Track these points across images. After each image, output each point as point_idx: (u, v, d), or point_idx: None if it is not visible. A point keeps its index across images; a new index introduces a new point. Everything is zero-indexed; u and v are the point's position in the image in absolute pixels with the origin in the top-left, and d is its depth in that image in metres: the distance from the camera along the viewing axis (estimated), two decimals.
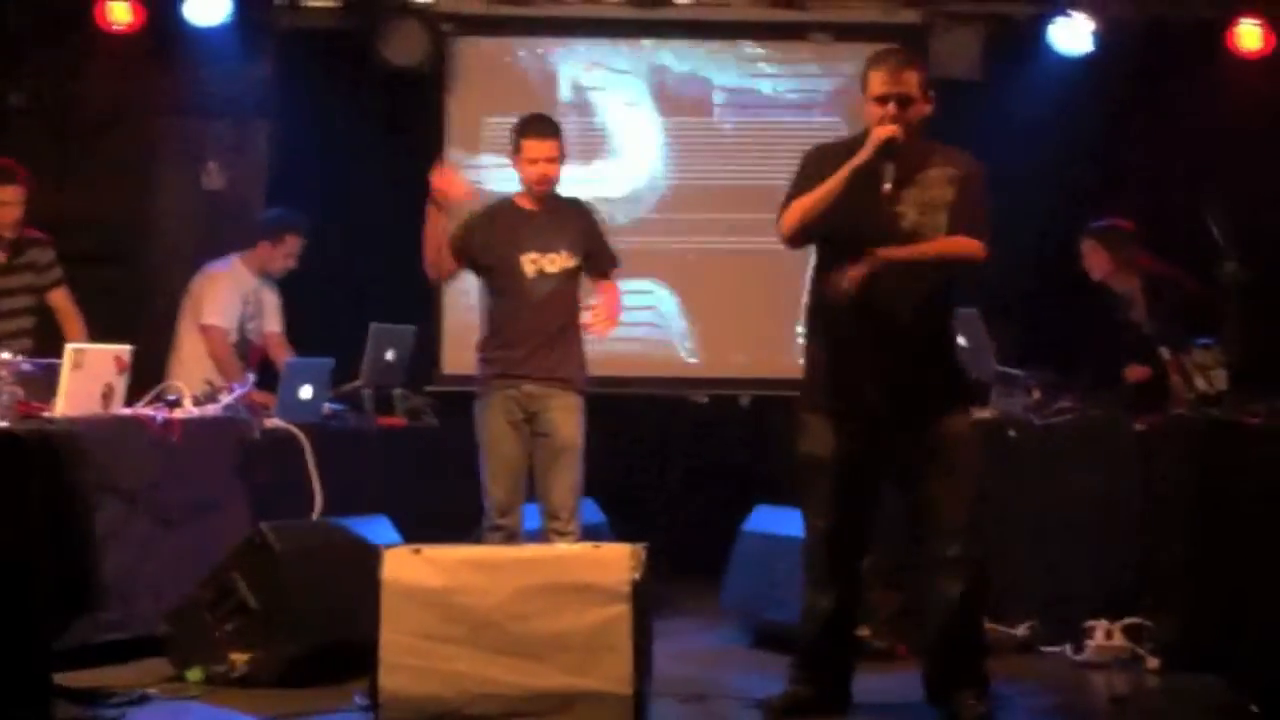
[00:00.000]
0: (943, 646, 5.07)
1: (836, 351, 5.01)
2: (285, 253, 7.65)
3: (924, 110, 4.96)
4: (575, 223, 6.20)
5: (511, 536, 5.91)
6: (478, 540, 5.85)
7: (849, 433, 4.97)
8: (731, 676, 5.69)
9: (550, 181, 6.15)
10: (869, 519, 5.13)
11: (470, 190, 6.22)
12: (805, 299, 5.20)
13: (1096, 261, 7.41)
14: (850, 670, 5.20)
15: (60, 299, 6.96)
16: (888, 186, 4.82)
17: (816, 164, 5.04)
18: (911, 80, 4.91)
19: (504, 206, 6.29)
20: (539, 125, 6.22)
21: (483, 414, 6.06)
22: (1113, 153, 8.51)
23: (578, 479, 6.01)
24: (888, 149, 4.82)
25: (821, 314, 5.07)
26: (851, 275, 4.80)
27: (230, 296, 7.55)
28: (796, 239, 5.00)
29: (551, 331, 6.06)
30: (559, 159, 6.15)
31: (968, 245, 4.94)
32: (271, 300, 7.74)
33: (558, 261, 6.09)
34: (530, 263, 6.09)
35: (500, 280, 6.14)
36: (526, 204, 6.20)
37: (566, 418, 6.00)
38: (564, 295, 6.11)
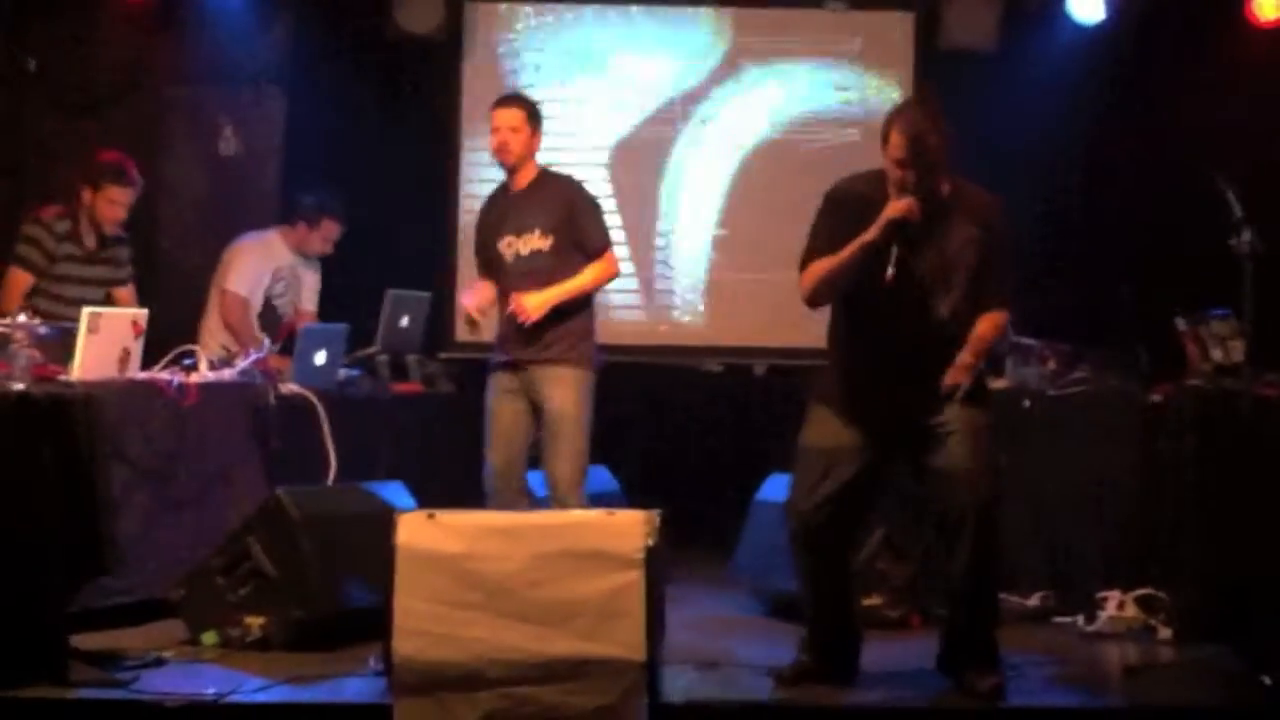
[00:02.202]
0: (955, 619, 5.10)
1: (857, 378, 5.03)
2: (322, 237, 7.70)
3: (942, 158, 4.87)
4: (555, 200, 6.19)
5: (506, 505, 5.95)
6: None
7: (856, 434, 4.99)
8: (744, 644, 5.69)
9: (509, 152, 6.17)
10: (860, 512, 5.17)
11: (492, 296, 6.29)
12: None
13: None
14: (858, 640, 5.22)
15: (125, 297, 6.99)
16: (891, 273, 4.79)
17: (832, 213, 5.02)
18: (934, 145, 4.81)
19: (495, 192, 6.38)
20: (503, 97, 6.39)
21: (487, 387, 6.20)
22: (1128, 123, 8.48)
23: (574, 449, 6.03)
24: (900, 229, 4.79)
25: (840, 330, 5.12)
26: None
27: (256, 266, 7.58)
28: (814, 303, 5.04)
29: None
30: (520, 129, 6.16)
31: (996, 325, 4.99)
32: (311, 280, 7.79)
33: (531, 242, 6.13)
34: (507, 246, 6.17)
35: (490, 265, 6.24)
36: (512, 185, 6.25)
37: (557, 391, 6.04)
38: (542, 275, 6.09)
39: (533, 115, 6.23)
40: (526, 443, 6.14)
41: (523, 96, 6.38)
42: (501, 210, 6.25)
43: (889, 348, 4.97)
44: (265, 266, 7.61)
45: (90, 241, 6.89)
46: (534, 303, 5.99)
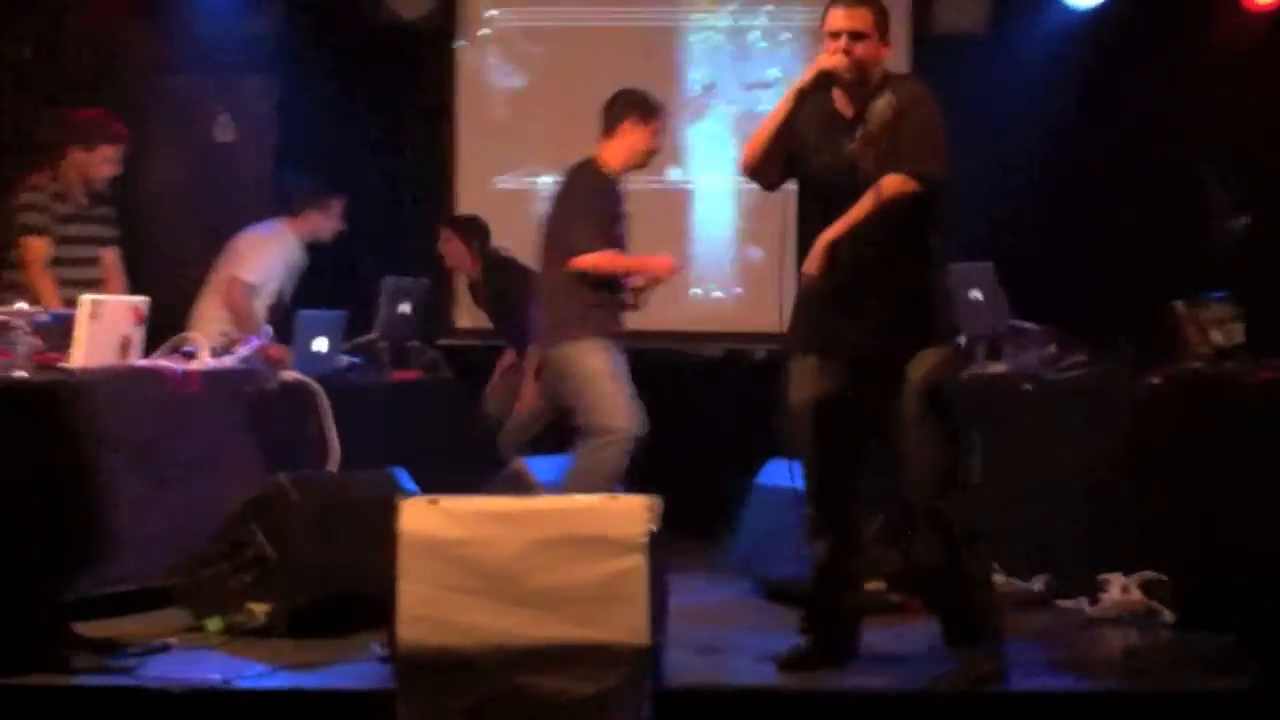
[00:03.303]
0: (940, 600, 5.14)
1: (814, 297, 5.00)
2: (333, 216, 7.70)
3: (880, 52, 5.01)
4: (564, 187, 6.42)
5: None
6: (492, 491, 5.89)
7: (829, 374, 5.02)
8: (745, 629, 5.70)
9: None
10: (855, 464, 5.15)
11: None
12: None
13: (452, 250, 7.95)
14: (857, 622, 5.23)
15: (111, 257, 6.98)
16: (853, 143, 4.94)
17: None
18: (865, 17, 4.97)
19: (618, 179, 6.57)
20: (654, 103, 6.59)
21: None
22: (1121, 106, 8.48)
23: (582, 405, 6.22)
24: (824, 77, 4.93)
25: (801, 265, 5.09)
26: (810, 266, 4.90)
27: (271, 258, 7.59)
28: (754, 171, 5.07)
29: (539, 292, 6.42)
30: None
31: (891, 186, 4.88)
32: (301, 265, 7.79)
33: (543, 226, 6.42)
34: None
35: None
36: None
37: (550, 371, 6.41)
38: (542, 257, 6.43)
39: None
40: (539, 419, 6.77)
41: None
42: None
43: (844, 254, 4.90)
44: (279, 260, 7.62)
45: (82, 198, 6.85)
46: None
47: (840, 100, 5.03)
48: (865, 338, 4.96)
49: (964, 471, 5.27)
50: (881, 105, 4.97)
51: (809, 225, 5.05)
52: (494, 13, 9.01)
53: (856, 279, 4.93)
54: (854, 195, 4.89)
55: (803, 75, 4.97)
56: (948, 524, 4.96)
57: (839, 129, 4.99)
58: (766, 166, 5.05)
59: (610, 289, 6.39)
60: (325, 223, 7.68)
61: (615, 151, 6.45)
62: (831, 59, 4.93)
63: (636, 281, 6.41)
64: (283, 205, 7.88)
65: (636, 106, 6.48)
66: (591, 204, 6.34)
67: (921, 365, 4.95)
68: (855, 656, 5.18)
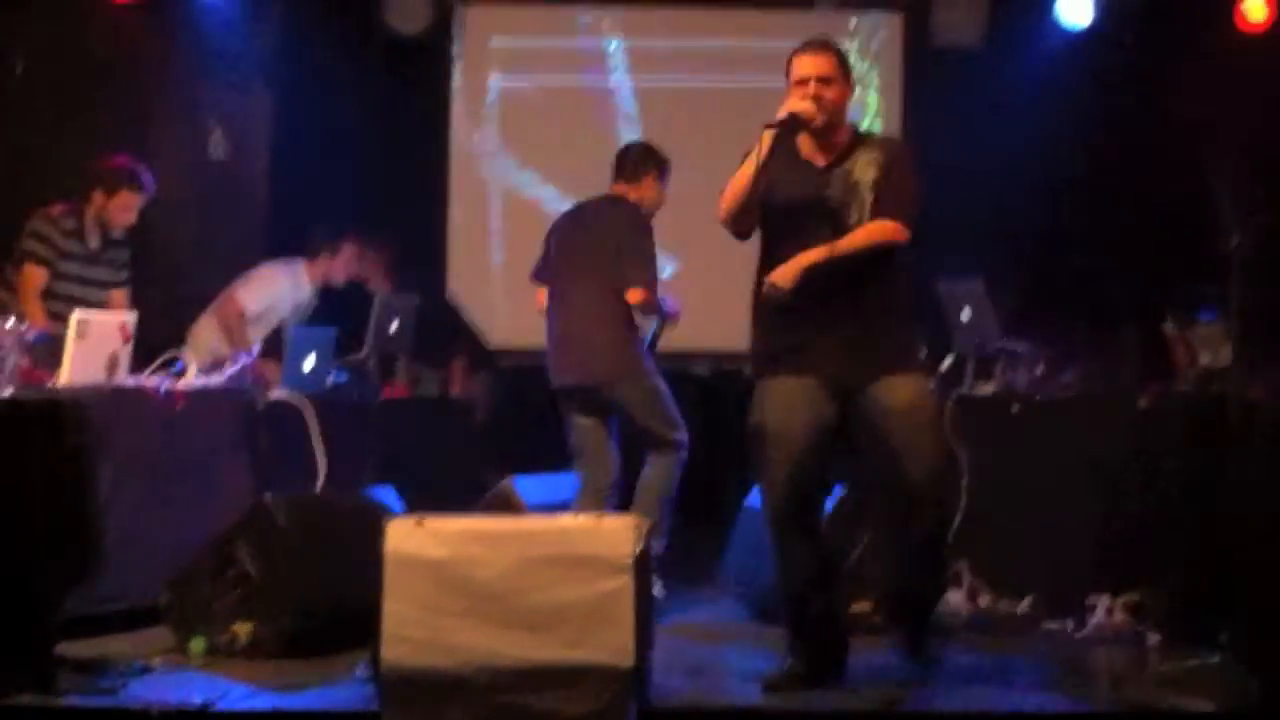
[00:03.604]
0: (902, 590, 5.30)
1: (787, 314, 5.09)
2: (344, 262, 7.74)
3: (845, 94, 5.14)
4: (608, 222, 6.65)
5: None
6: (479, 511, 5.89)
7: (805, 394, 5.06)
8: (732, 650, 5.69)
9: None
10: (824, 484, 5.30)
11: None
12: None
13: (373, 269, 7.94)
14: (844, 641, 5.24)
15: (120, 299, 7.00)
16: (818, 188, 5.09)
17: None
18: (830, 63, 5.11)
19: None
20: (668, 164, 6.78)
21: None
22: (1115, 125, 8.49)
23: (657, 424, 6.56)
24: (794, 122, 5.02)
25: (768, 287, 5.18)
26: (783, 278, 5.00)
27: (278, 294, 7.61)
28: (733, 219, 5.10)
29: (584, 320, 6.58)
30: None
31: (883, 230, 5.04)
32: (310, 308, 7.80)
33: None
34: None
35: None
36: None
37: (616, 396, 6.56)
38: (576, 282, 6.61)
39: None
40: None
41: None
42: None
43: (818, 281, 5.00)
44: (286, 299, 7.63)
45: (94, 242, 6.91)
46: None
47: (807, 145, 5.16)
48: (837, 353, 5.06)
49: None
50: (863, 159, 5.11)
51: (770, 258, 5.13)
52: (491, 29, 9.03)
53: (829, 296, 5.01)
54: (827, 233, 5.02)
55: (773, 123, 5.01)
56: (935, 519, 5.12)
57: (810, 174, 5.12)
58: (744, 217, 5.10)
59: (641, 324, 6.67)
60: (336, 267, 7.71)
61: (636, 197, 6.68)
62: (800, 104, 5.03)
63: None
64: (294, 234, 7.89)
65: (656, 163, 6.74)
66: (645, 244, 6.57)
67: (901, 392, 5.05)
68: (844, 675, 5.18)
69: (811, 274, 4.99)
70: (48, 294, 6.75)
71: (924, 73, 8.81)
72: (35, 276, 6.74)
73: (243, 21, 8.52)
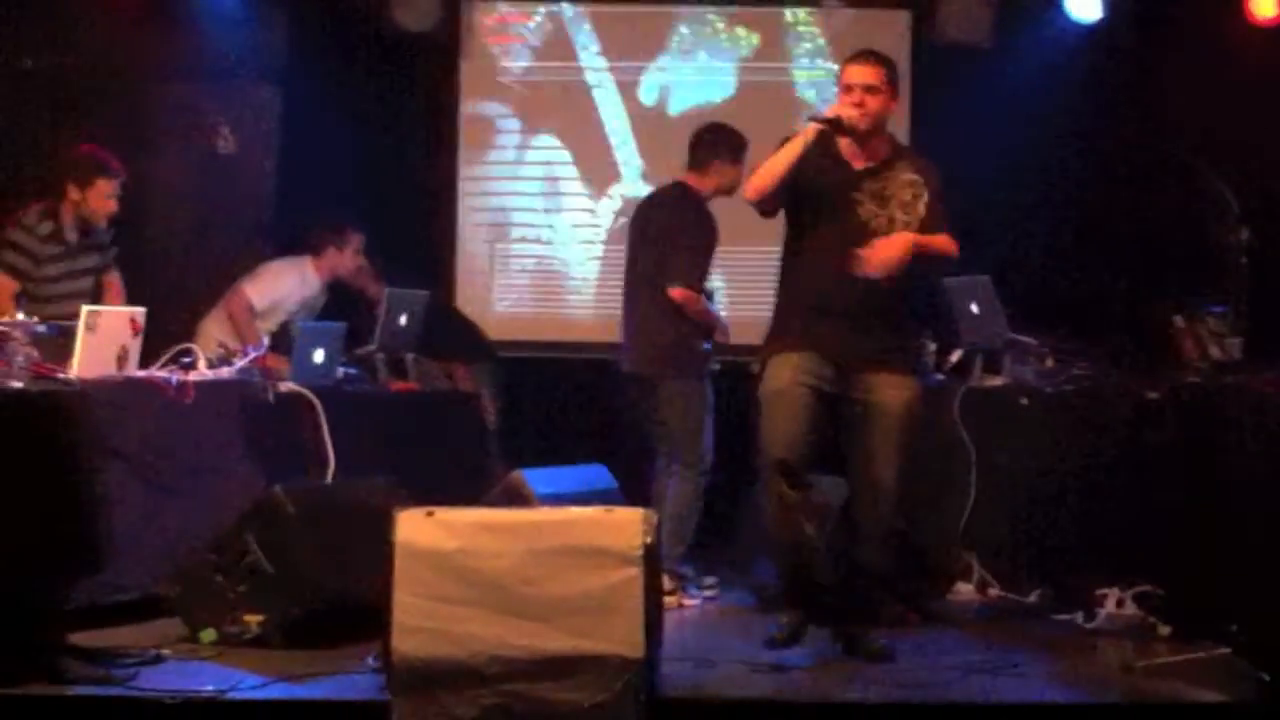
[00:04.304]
0: (849, 590, 5.48)
1: (807, 308, 5.47)
2: (352, 251, 7.72)
3: (889, 106, 5.47)
4: (665, 212, 6.75)
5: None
6: (489, 503, 5.90)
7: (811, 364, 5.39)
8: (741, 640, 5.68)
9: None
10: (817, 454, 5.48)
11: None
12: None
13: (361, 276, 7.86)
14: (842, 595, 5.48)
15: (113, 282, 6.97)
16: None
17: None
18: (880, 74, 5.43)
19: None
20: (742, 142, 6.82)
21: None
22: (1125, 118, 8.48)
23: (682, 437, 6.60)
24: (835, 124, 5.35)
25: (793, 278, 5.58)
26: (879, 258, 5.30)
27: (286, 290, 7.62)
28: (762, 199, 5.43)
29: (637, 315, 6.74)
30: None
31: (950, 245, 5.48)
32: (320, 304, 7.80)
33: None
34: None
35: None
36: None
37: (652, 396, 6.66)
38: (638, 279, 6.73)
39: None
40: None
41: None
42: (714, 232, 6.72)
43: (836, 278, 5.37)
44: (294, 295, 7.64)
45: (73, 236, 6.83)
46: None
47: (846, 146, 5.46)
48: (843, 337, 5.41)
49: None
50: (899, 176, 5.46)
51: (804, 252, 5.49)
52: (499, 27, 9.04)
53: (868, 304, 5.39)
54: (852, 238, 5.36)
55: (819, 115, 5.40)
56: (890, 538, 5.48)
57: (845, 173, 5.45)
58: (772, 198, 5.42)
59: (700, 328, 6.67)
60: (342, 260, 7.72)
61: (704, 185, 6.72)
62: (847, 109, 5.37)
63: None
64: (299, 233, 7.89)
65: (726, 147, 6.76)
66: (694, 240, 6.63)
67: (901, 392, 5.41)
68: (846, 618, 5.45)
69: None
70: (39, 299, 6.65)
71: (930, 70, 8.80)
72: (5, 287, 6.66)
73: (249, 18, 8.52)
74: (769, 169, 5.38)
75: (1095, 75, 8.51)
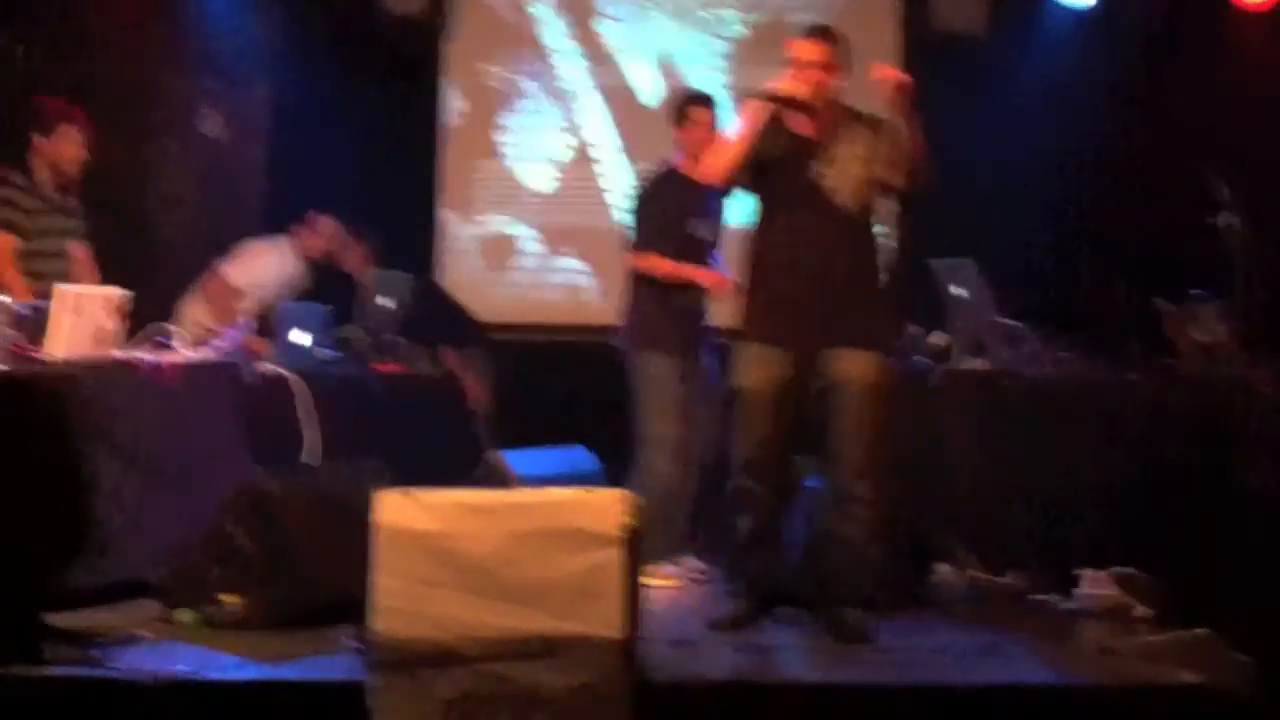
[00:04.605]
0: (832, 570, 5.52)
1: (767, 297, 5.51)
2: (318, 233, 7.71)
3: (839, 79, 5.47)
4: None
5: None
6: (471, 485, 5.89)
7: (780, 360, 5.46)
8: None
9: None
10: (791, 442, 5.60)
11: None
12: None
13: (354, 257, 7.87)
14: (780, 582, 5.63)
15: (81, 251, 6.91)
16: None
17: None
18: (829, 50, 5.44)
19: (668, 173, 6.63)
20: (699, 95, 6.68)
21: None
22: (1117, 106, 8.48)
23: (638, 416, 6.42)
24: (783, 100, 5.37)
25: (758, 259, 5.58)
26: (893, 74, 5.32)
27: (265, 270, 7.63)
28: (720, 178, 5.50)
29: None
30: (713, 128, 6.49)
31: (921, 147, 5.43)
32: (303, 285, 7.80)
33: (709, 226, 6.55)
34: (693, 226, 6.49)
35: (665, 241, 6.51)
36: (688, 169, 6.47)
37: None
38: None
39: (717, 112, 6.56)
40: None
41: (712, 97, 6.65)
42: (687, 193, 6.42)
43: (801, 245, 5.43)
44: (274, 275, 7.64)
45: (49, 190, 6.75)
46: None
47: (798, 122, 5.48)
48: (808, 324, 5.45)
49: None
50: (854, 137, 5.46)
51: (766, 232, 5.53)
52: (489, 12, 9.03)
53: (808, 268, 5.41)
54: (815, 210, 5.43)
55: (769, 94, 5.39)
56: (869, 509, 5.44)
57: (801, 149, 5.47)
58: (730, 177, 5.49)
59: (675, 295, 6.48)
60: (312, 240, 7.71)
61: (678, 154, 6.62)
62: (798, 85, 5.39)
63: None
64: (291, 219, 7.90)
65: (670, 111, 6.68)
66: (641, 209, 6.57)
67: (864, 367, 5.40)
68: (784, 609, 5.61)
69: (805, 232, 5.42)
70: (33, 254, 6.63)
71: (923, 59, 8.79)
72: (6, 243, 6.59)
73: (241, 10, 8.51)
74: (722, 148, 5.47)
75: (1088, 63, 8.52)
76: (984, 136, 8.28)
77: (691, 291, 6.44)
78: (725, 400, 5.96)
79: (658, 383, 6.41)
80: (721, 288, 6.36)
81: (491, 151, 9.07)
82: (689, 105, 6.58)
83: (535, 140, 9.06)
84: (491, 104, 9.06)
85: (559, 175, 9.08)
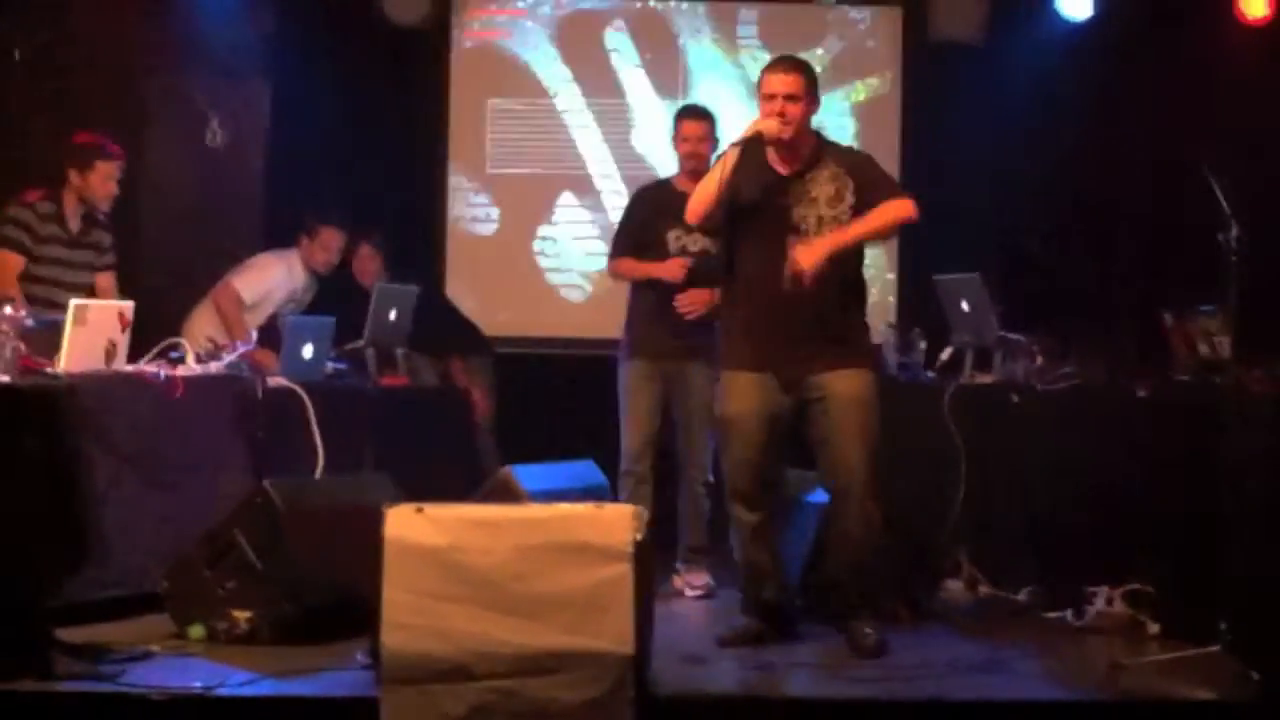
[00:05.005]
0: (840, 579, 5.57)
1: (745, 327, 5.58)
2: (321, 246, 7.72)
3: (810, 109, 5.55)
4: None
5: (640, 482, 6.56)
6: (479, 499, 5.89)
7: (762, 387, 5.52)
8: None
9: (700, 158, 6.52)
10: (780, 464, 5.77)
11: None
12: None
13: (370, 267, 7.90)
14: (789, 601, 5.70)
15: (106, 283, 6.97)
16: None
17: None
18: (798, 82, 5.51)
19: (661, 182, 6.80)
20: (688, 108, 6.83)
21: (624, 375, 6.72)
22: (1115, 118, 8.49)
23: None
24: (758, 140, 5.44)
25: (732, 291, 5.67)
26: (808, 263, 5.35)
27: (273, 282, 7.62)
28: (701, 220, 5.62)
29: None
30: (707, 139, 6.58)
31: (900, 208, 5.50)
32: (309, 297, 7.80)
33: (700, 241, 6.48)
34: (675, 239, 6.56)
35: (642, 251, 6.64)
36: (681, 184, 6.49)
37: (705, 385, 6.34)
38: (703, 276, 6.47)
39: (714, 125, 6.64)
40: (657, 430, 6.67)
41: (706, 110, 6.74)
42: (668, 204, 6.50)
43: (771, 294, 5.46)
44: (283, 286, 7.65)
45: (74, 225, 6.86)
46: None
47: (773, 156, 5.56)
48: (792, 351, 5.50)
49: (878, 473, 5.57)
50: (823, 173, 5.52)
51: (741, 263, 5.60)
52: (488, 19, 9.03)
53: (805, 316, 5.47)
54: (786, 243, 5.44)
55: (742, 134, 5.46)
56: (865, 511, 5.46)
57: (775, 184, 5.53)
58: (710, 218, 5.59)
59: (654, 303, 6.58)
60: (314, 252, 7.71)
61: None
62: (768, 122, 5.45)
63: (686, 306, 6.52)
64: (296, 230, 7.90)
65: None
66: (628, 215, 6.81)
67: (850, 382, 5.49)
68: (794, 628, 5.67)
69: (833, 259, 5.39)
70: (30, 279, 6.71)
71: (923, 67, 8.81)
72: (9, 264, 6.69)
73: (240, 11, 8.51)
74: (702, 191, 5.55)
75: (1087, 73, 8.52)
76: (983, 145, 8.28)
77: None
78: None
79: (628, 391, 6.64)
80: (673, 273, 6.50)
81: (498, 161, 9.06)
82: (678, 119, 6.69)
83: (541, 149, 9.05)
84: (496, 113, 9.05)
85: (569, 184, 9.08)
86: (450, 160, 9.04)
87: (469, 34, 9.03)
